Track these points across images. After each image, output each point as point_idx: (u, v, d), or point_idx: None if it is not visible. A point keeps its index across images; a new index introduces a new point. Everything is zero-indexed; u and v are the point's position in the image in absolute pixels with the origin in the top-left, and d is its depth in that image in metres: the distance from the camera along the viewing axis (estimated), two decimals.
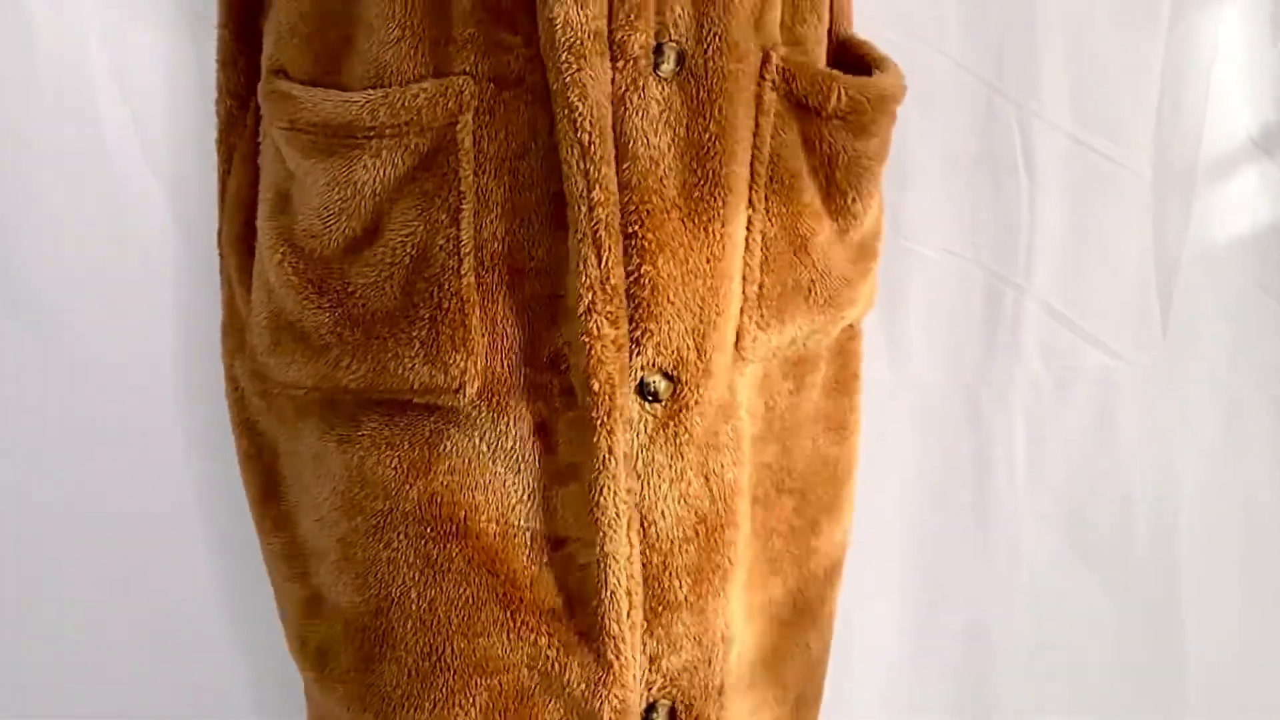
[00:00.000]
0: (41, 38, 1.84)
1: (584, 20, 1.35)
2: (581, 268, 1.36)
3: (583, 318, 1.37)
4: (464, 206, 1.40)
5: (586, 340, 1.37)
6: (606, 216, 1.36)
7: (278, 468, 1.57)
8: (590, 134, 1.35)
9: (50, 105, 1.87)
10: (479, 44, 1.39)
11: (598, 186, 1.36)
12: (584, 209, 1.36)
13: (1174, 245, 2.05)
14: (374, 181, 1.41)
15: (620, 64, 1.37)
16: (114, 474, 1.96)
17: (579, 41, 1.35)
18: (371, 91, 1.40)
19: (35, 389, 1.94)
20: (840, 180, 1.48)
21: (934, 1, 1.98)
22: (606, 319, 1.37)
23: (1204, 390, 2.11)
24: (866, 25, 1.98)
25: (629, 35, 1.37)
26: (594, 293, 1.36)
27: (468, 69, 1.39)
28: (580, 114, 1.35)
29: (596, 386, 1.37)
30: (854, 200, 1.50)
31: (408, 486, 1.44)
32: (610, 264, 1.36)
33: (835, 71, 1.48)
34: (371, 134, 1.40)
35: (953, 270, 2.05)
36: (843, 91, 1.47)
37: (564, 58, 1.35)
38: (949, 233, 2.05)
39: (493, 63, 1.38)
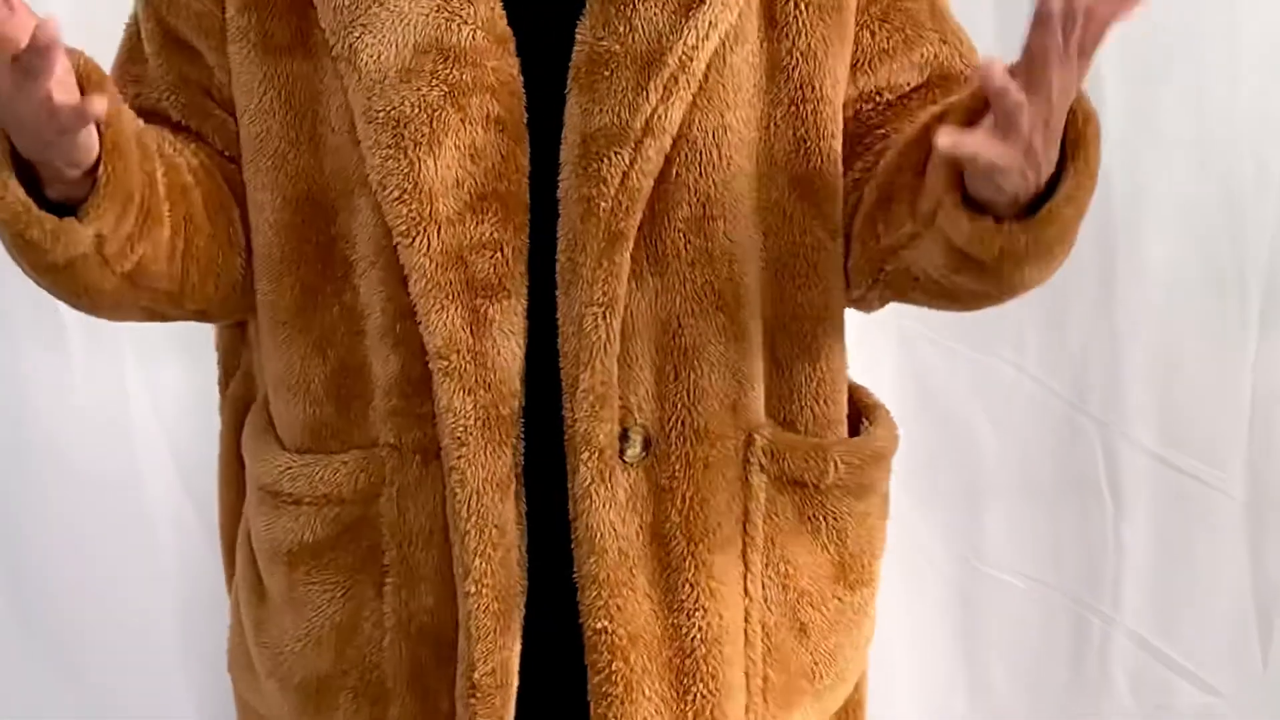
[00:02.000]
0: (78, 364, 1.91)
1: (468, 407, 1.34)
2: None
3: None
4: (388, 581, 1.39)
5: None
6: (483, 608, 1.34)
7: None
8: (468, 523, 1.33)
9: (88, 429, 1.93)
10: (403, 415, 1.38)
11: (471, 581, 1.34)
12: (463, 610, 1.35)
13: (1273, 571, 2.02)
14: (292, 544, 1.40)
15: (587, 456, 1.35)
16: None
17: (462, 428, 1.33)
18: (294, 457, 1.40)
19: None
20: (854, 547, 1.45)
21: (1010, 314, 1.87)
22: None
23: None
24: (935, 339, 2.01)
25: (594, 426, 1.34)
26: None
27: (391, 439, 1.39)
28: (459, 500, 1.34)
29: None
30: (870, 561, 1.47)
31: None
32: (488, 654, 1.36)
33: (827, 442, 1.44)
34: (290, 500, 1.40)
35: (1035, 598, 2.03)
36: (839, 461, 1.42)
37: (447, 443, 1.34)
38: (1030, 558, 2.03)
39: (418, 435, 1.36)
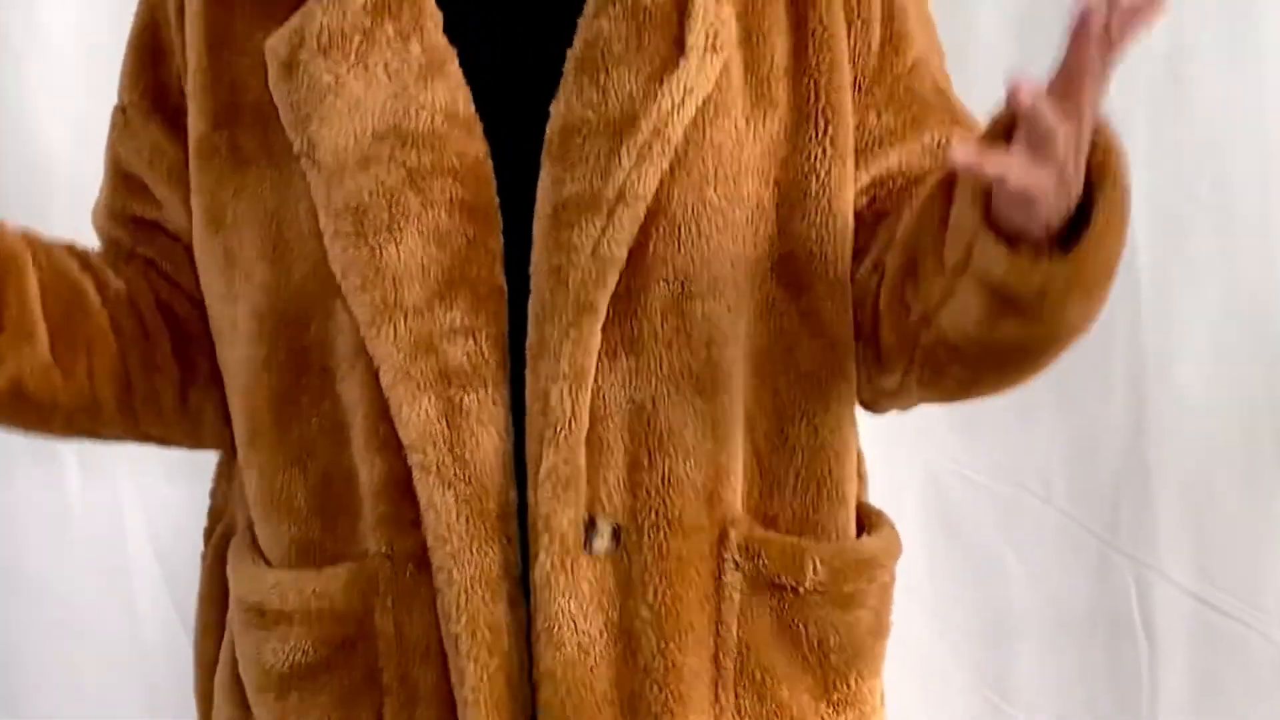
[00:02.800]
0: (74, 496, 1.92)
1: (449, 502, 1.32)
2: None
3: None
4: (386, 702, 1.36)
5: None
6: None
7: None
8: (458, 625, 1.31)
9: (82, 558, 1.94)
10: (392, 522, 1.36)
11: (468, 689, 1.32)
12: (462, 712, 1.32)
13: None
14: (283, 667, 1.39)
15: (547, 541, 1.33)
16: None
17: (444, 525, 1.32)
18: (283, 572, 1.39)
19: None
20: (838, 663, 1.41)
21: (1037, 445, 1.99)
22: None
23: None
24: (960, 470, 2.01)
25: (556, 510, 1.32)
26: None
27: (380, 548, 1.36)
28: (448, 601, 1.32)
29: None
30: (858, 682, 1.43)
31: None
32: None
33: (806, 542, 1.40)
34: (279, 618, 1.38)
35: None
36: (818, 563, 1.39)
37: (431, 542, 1.32)
38: (1059, 700, 2.01)
39: (409, 542, 1.34)
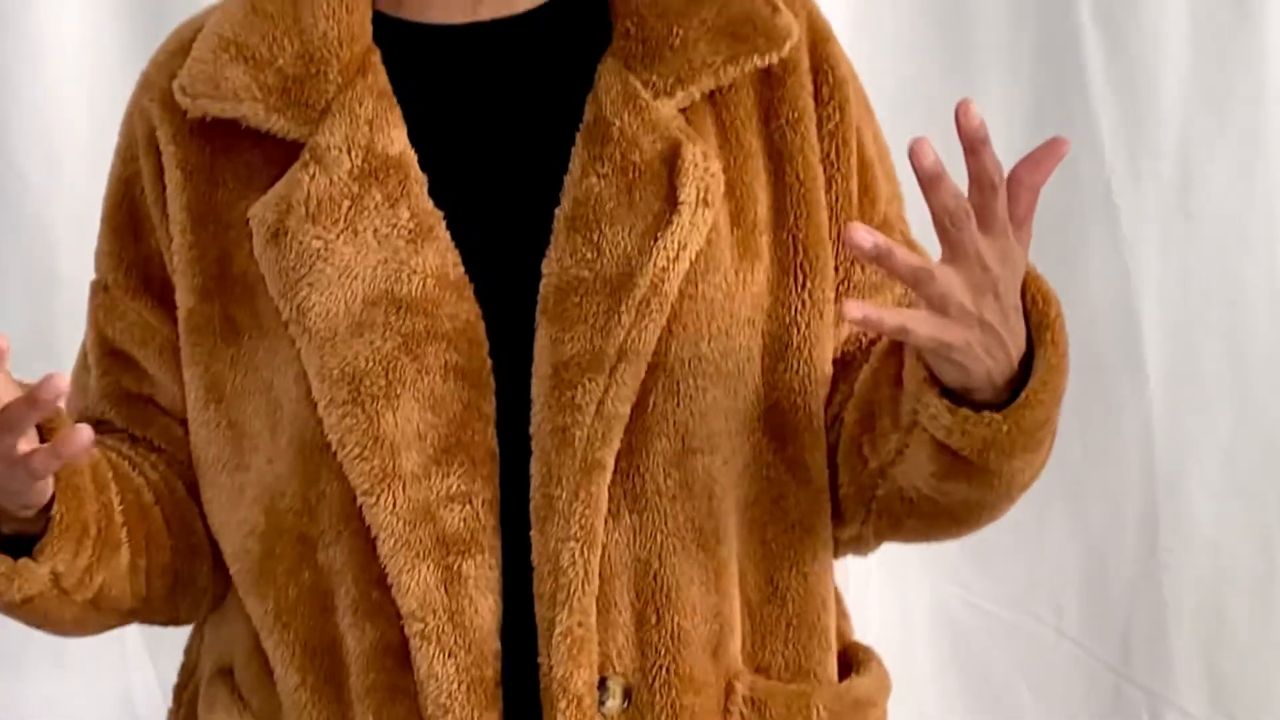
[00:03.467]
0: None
1: (450, 672, 1.32)
2: None
3: None
4: None
5: None
6: None
7: None
8: None
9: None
10: (382, 690, 1.36)
11: None
12: None
13: None
14: None
15: (565, 705, 1.32)
16: None
17: (446, 695, 1.32)
18: None
19: None
20: None
21: (1048, 574, 2.00)
22: None
23: None
24: (969, 599, 2.00)
25: (572, 673, 1.32)
26: None
27: (372, 717, 1.36)
28: None
29: None
30: None
31: None
32: None
33: (809, 688, 1.41)
34: None
35: None
36: (821, 708, 1.40)
37: (431, 711, 1.32)
38: None
39: (400, 711, 1.34)
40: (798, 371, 1.37)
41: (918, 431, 1.27)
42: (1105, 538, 2.05)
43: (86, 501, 1.28)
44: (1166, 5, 2.03)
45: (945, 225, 1.16)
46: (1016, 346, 1.20)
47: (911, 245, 1.41)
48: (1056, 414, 1.26)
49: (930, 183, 1.14)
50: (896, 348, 1.29)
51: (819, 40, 1.41)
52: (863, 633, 1.50)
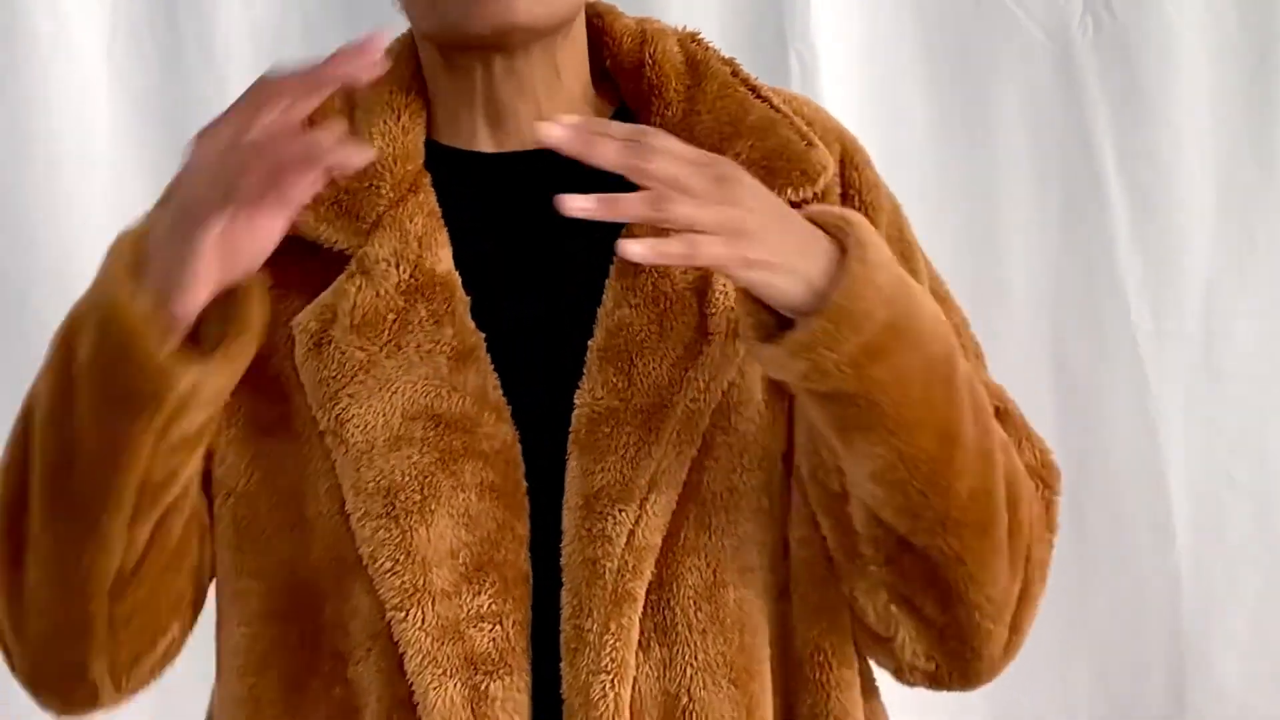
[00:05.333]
0: None
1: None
2: None
3: None
4: None
5: None
6: None
7: None
8: None
9: None
10: None
11: None
12: None
13: None
14: None
15: None
16: None
17: None
18: None
19: None
20: None
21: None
22: None
23: None
24: None
25: None
26: None
27: None
28: None
29: None
30: None
31: None
32: None
33: None
34: None
35: None
36: None
37: None
38: None
39: None
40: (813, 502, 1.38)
41: (798, 401, 1.29)
42: (1131, 696, 2.04)
43: (246, 354, 1.29)
44: (1190, 164, 2.06)
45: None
46: (821, 253, 1.23)
47: (977, 356, 1.43)
48: (886, 300, 1.25)
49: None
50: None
51: (850, 167, 1.44)
52: None
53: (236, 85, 1.35)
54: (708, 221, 1.20)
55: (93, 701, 1.40)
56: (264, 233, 1.20)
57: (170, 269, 1.21)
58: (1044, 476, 1.44)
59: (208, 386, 1.25)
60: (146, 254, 1.24)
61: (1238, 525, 2.00)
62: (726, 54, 1.59)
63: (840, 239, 1.24)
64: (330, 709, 1.36)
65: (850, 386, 1.25)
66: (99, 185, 2.16)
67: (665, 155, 1.22)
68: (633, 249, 1.18)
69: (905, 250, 1.43)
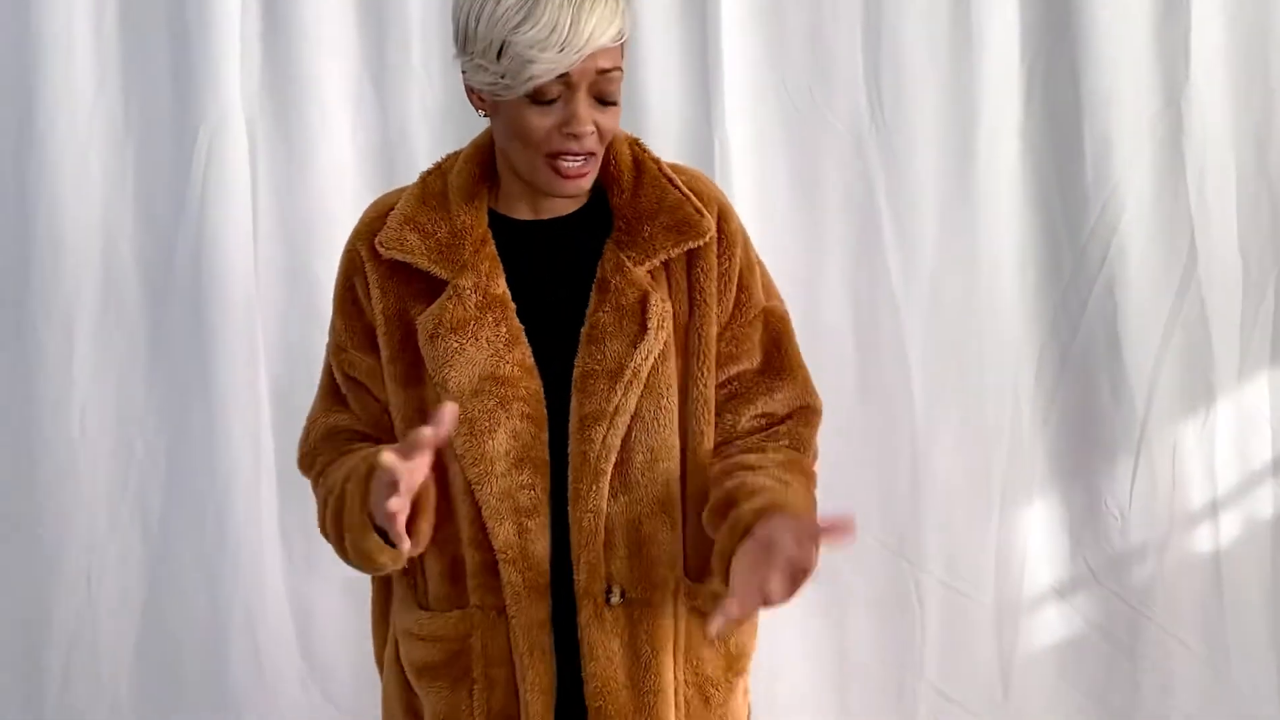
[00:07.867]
0: None
1: (518, 581, 1.75)
2: None
3: None
4: (475, 689, 1.79)
5: None
6: (534, 700, 1.76)
7: None
8: (523, 647, 1.76)
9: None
10: (484, 588, 1.78)
11: (527, 685, 1.74)
12: (523, 701, 1.78)
13: (1007, 649, 2.63)
14: (421, 662, 1.81)
15: (586, 603, 1.76)
16: None
17: (515, 593, 1.75)
18: (424, 614, 1.82)
19: None
20: (735, 649, 1.91)
21: (858, 494, 2.58)
22: None
23: None
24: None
25: (591, 585, 1.75)
26: None
27: (477, 602, 1.79)
28: (517, 635, 1.75)
29: None
30: (745, 661, 1.91)
31: None
32: None
33: (721, 590, 1.76)
34: (421, 638, 1.81)
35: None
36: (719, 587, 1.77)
37: (509, 602, 1.76)
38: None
39: (492, 599, 1.77)
40: (697, 406, 1.82)
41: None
42: None
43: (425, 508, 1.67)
44: (925, 210, 2.65)
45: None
46: None
47: (771, 337, 1.81)
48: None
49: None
50: (724, 504, 1.74)
51: (723, 219, 1.80)
52: None
53: None
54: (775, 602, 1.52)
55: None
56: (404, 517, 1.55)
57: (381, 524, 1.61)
58: (809, 416, 1.89)
59: (402, 560, 1.68)
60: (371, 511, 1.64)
61: None
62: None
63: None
64: (451, 530, 1.81)
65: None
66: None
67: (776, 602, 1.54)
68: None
69: (750, 262, 1.83)
